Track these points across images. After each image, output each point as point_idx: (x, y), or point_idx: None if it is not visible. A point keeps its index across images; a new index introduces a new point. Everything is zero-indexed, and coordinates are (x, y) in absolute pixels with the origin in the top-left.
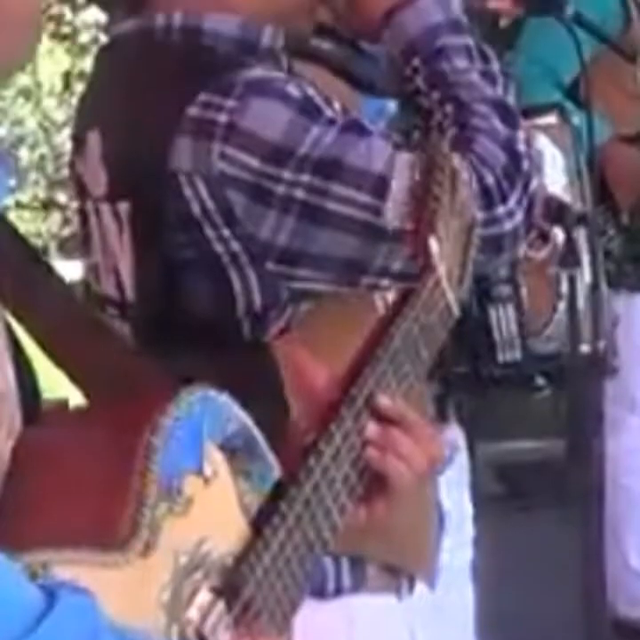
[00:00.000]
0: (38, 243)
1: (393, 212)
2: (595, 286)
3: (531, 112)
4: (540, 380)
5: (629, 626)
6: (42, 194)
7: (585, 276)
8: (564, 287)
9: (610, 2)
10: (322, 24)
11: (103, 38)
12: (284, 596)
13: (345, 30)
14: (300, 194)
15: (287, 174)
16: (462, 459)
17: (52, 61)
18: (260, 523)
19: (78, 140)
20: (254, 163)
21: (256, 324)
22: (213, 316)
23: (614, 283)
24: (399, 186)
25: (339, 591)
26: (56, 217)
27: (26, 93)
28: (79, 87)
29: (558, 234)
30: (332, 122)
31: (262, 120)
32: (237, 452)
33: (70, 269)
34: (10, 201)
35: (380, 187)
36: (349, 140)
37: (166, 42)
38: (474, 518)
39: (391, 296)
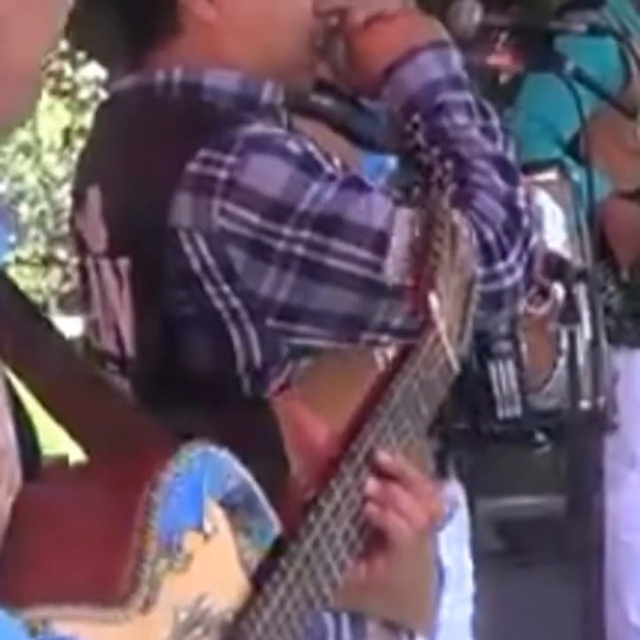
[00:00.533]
0: (38, 299)
1: (393, 268)
2: (595, 342)
3: (531, 168)
4: (540, 436)
5: None
6: (42, 250)
7: (585, 332)
8: (564, 343)
9: (610, 58)
10: (322, 80)
11: (103, 94)
12: None
13: (345, 86)
14: (300, 250)
15: (287, 230)
16: (462, 515)
17: (52, 117)
18: (260, 579)
19: (78, 196)
20: (254, 219)
21: (256, 380)
22: (213, 373)
23: (614, 339)
24: (399, 242)
25: None
26: (56, 273)
27: (26, 149)
28: (79, 143)
29: (558, 290)
30: (332, 178)
31: (262, 176)
32: (237, 508)
33: (70, 325)
34: (10, 257)
35: (380, 243)
36: (349, 196)
37: (166, 98)
38: (474, 574)
39: (391, 352)
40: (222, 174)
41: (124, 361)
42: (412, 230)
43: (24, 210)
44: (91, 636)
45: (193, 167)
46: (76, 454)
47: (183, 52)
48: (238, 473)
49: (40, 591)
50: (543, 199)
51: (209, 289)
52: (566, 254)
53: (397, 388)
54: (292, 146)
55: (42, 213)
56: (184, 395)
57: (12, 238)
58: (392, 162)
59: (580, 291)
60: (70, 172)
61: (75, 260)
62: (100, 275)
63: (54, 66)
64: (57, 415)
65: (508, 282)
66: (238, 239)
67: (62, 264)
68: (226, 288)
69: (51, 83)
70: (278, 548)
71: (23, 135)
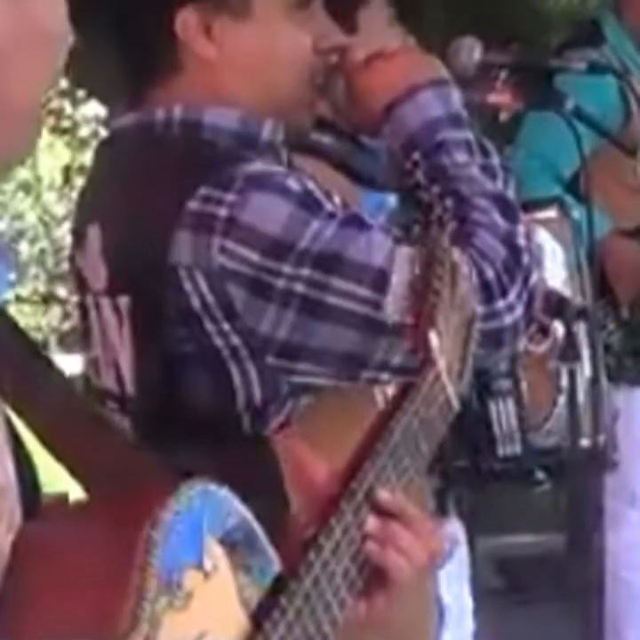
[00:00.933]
0: (38, 337)
1: (393, 306)
2: (595, 380)
3: (531, 206)
4: (540, 474)
5: None
6: (42, 288)
7: (585, 370)
8: (564, 381)
9: (610, 96)
10: (322, 118)
11: (103, 132)
12: None
13: (345, 124)
14: (300, 288)
15: (287, 268)
16: (462, 553)
17: (52, 155)
18: (259, 617)
19: (78, 235)
20: (254, 257)
21: (256, 418)
22: (213, 410)
23: (614, 377)
24: (399, 280)
25: None
26: (56, 311)
27: (26, 187)
28: (79, 181)
29: (558, 328)
30: (332, 216)
31: (262, 214)
32: (237, 546)
33: (70, 363)
34: (10, 295)
35: (380, 281)
36: (349, 234)
37: (166, 136)
38: (474, 612)
39: (391, 390)
40: (222, 212)
41: (124, 399)
42: (411, 268)
43: (24, 248)
44: None
45: (193, 205)
46: (76, 492)
47: (183, 90)
48: (238, 511)
49: (40, 629)
50: (543, 237)
51: (209, 327)
52: (566, 292)
53: (397, 426)
54: (292, 184)
55: (42, 251)
56: (184, 432)
57: (12, 276)
58: (392, 200)
59: (580, 328)
60: (70, 210)
61: (75, 298)
62: (100, 312)
63: (54, 104)
64: (57, 453)
65: (508, 320)
66: (238, 277)
67: (62, 302)
68: (226, 326)
69: (51, 120)
70: (278, 586)
71: (23, 173)
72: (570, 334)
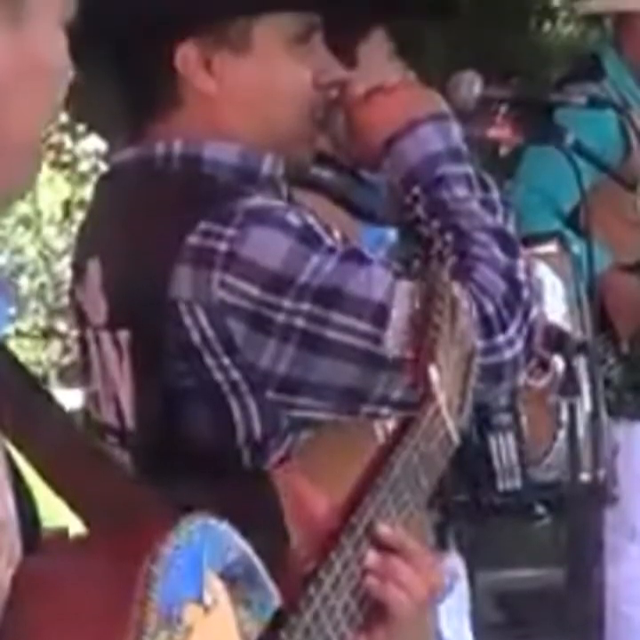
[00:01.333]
0: (38, 371)
1: (393, 341)
2: (595, 415)
3: (531, 240)
4: (540, 509)
5: None
6: (42, 322)
7: (585, 404)
8: (564, 416)
9: (610, 130)
10: (322, 152)
11: (103, 167)
12: None
13: (345, 159)
14: (300, 322)
15: (287, 303)
16: (462, 587)
17: (52, 190)
18: None
19: (78, 269)
20: (254, 291)
21: (256, 452)
22: (213, 445)
23: (614, 411)
24: (399, 314)
25: None
26: (56, 345)
27: (26, 222)
28: (79, 216)
29: (558, 362)
30: (331, 250)
31: (262, 249)
32: (237, 580)
33: (70, 398)
34: (10, 329)
35: (380, 315)
36: (349, 268)
37: (166, 170)
38: None
39: (391, 424)
40: (222, 247)
41: (124, 433)
42: (411, 303)
43: (24, 282)
44: None
45: (193, 240)
46: (75, 526)
47: (183, 125)
48: (238, 545)
49: None
50: (543, 271)
51: (209, 361)
52: (566, 327)
53: (397, 460)
54: (292, 218)
55: (42, 286)
56: (184, 467)
57: (12, 310)
58: (392, 234)
59: (580, 363)
60: (70, 245)
61: (75, 333)
62: (100, 347)
63: (54, 138)
64: (57, 487)
65: (508, 354)
66: (238, 311)
67: (62, 336)
68: (226, 360)
69: (51, 155)
70: (278, 621)
71: (23, 207)
72: (570, 369)
